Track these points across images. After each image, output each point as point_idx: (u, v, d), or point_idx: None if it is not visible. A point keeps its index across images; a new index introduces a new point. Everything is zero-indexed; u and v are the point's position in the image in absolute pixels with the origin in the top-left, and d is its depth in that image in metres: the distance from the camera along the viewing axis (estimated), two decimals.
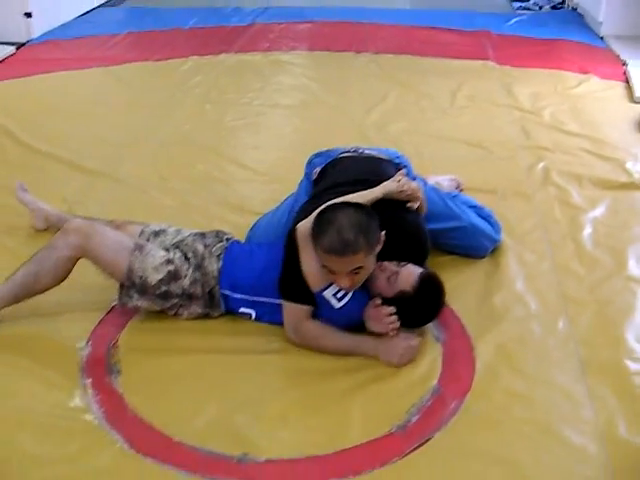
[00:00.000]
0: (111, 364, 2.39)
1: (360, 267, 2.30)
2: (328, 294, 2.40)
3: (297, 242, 2.39)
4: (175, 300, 2.54)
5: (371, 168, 2.77)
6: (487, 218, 3.03)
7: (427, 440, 2.11)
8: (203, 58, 5.58)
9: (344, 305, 2.41)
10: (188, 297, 2.54)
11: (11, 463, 2.02)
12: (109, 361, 2.40)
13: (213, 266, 2.56)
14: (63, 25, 6.50)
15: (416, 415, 2.19)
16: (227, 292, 2.55)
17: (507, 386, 2.33)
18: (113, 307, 2.65)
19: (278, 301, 2.49)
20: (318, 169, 2.86)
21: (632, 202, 3.49)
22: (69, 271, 2.53)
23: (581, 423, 2.19)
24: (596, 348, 2.52)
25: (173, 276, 2.52)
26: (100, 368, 2.37)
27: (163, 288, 2.51)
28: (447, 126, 4.37)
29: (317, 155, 2.98)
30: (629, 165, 3.83)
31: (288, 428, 2.16)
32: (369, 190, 2.50)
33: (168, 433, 2.11)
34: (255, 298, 2.53)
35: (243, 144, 4.16)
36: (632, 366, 2.42)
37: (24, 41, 5.92)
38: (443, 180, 3.36)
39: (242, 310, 2.56)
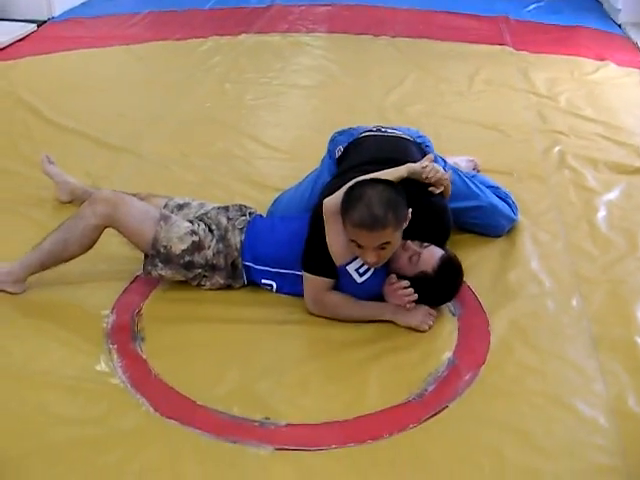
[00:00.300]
0: (135, 331, 2.46)
1: (387, 242, 2.35)
2: (351, 268, 2.45)
3: (323, 216, 2.44)
4: (198, 270, 2.60)
5: (395, 148, 2.82)
6: (505, 198, 3.08)
7: (443, 409, 2.17)
8: (222, 38, 5.62)
9: (365, 280, 2.47)
10: (211, 268, 2.61)
11: (39, 423, 2.10)
12: (133, 328, 2.48)
13: (236, 238, 2.62)
14: (84, 4, 6.55)
15: (432, 385, 2.26)
16: (249, 264, 2.61)
17: (520, 359, 2.38)
18: (137, 277, 2.72)
19: (299, 273, 2.55)
20: (341, 147, 2.91)
21: None
22: (96, 240, 2.60)
23: (592, 396, 2.25)
24: (608, 325, 2.57)
25: (197, 246, 2.58)
26: (125, 335, 2.44)
27: (187, 258, 2.57)
28: (465, 109, 4.41)
29: (340, 133, 3.03)
30: None
31: (308, 395, 2.23)
32: (395, 168, 2.54)
33: (192, 397, 2.18)
34: (276, 270, 2.60)
35: (263, 122, 4.22)
36: None
37: (45, 19, 5.99)
38: (461, 161, 3.40)
39: (264, 282, 2.63)
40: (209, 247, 2.60)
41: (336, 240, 2.43)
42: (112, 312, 2.55)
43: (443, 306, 2.59)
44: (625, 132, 4.10)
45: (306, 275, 2.51)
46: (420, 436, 2.08)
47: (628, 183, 3.54)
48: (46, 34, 5.71)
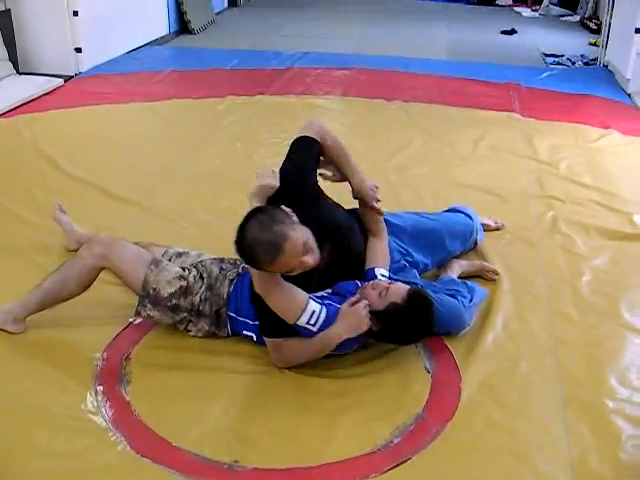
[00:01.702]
0: (122, 374, 2.59)
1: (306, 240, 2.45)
2: (302, 323, 2.54)
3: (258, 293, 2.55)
4: (184, 314, 2.73)
5: None
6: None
7: (406, 460, 2.26)
8: (239, 98, 5.87)
9: (320, 327, 2.56)
10: (197, 313, 2.74)
11: (24, 455, 2.23)
12: (121, 372, 2.61)
13: (224, 289, 2.75)
14: (111, 60, 6.87)
15: (398, 437, 2.35)
16: (232, 314, 2.74)
17: (488, 417, 2.46)
18: (129, 323, 2.86)
19: None
20: None
21: (634, 252, 3.61)
22: (92, 280, 2.75)
23: (555, 455, 2.32)
24: (579, 387, 2.64)
25: (184, 291, 2.72)
26: (112, 377, 2.57)
27: (174, 301, 2.71)
28: (465, 173, 4.54)
29: None
30: (636, 218, 3.95)
31: (278, 442, 2.32)
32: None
33: (168, 438, 2.30)
34: (255, 322, 2.71)
35: None
36: (611, 405, 2.55)
37: (72, 74, 6.28)
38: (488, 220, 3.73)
39: (245, 332, 2.75)
40: (197, 293, 2.73)
41: (278, 306, 2.52)
42: (102, 355, 2.68)
43: (418, 362, 2.69)
44: (620, 199, 4.21)
45: (266, 339, 2.63)
46: None
47: (617, 249, 3.64)
48: (72, 89, 6.00)
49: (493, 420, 2.45)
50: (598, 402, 2.57)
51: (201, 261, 2.87)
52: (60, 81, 6.00)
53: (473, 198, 4.19)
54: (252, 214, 2.50)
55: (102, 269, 2.74)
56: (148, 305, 2.71)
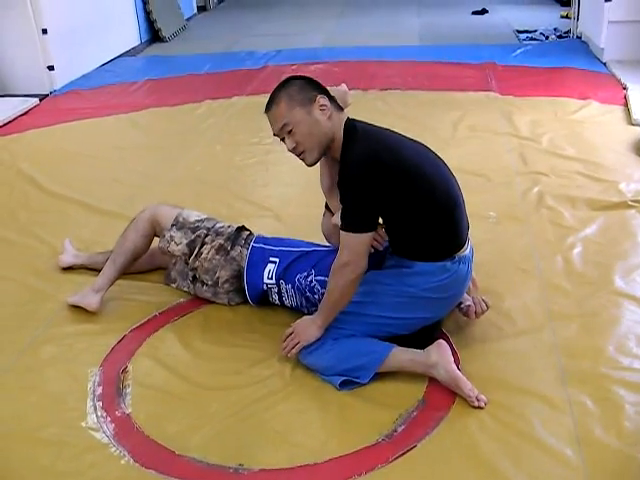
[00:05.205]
0: (120, 387, 2.57)
1: (287, 125, 2.52)
2: None
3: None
4: (203, 231, 3.00)
5: None
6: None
7: (411, 448, 2.25)
8: (216, 101, 5.85)
9: None
10: (215, 232, 3.00)
11: (31, 477, 2.20)
12: (119, 385, 2.58)
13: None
14: (84, 75, 6.83)
15: (402, 425, 2.34)
16: (259, 245, 2.95)
17: (490, 396, 2.44)
18: (124, 336, 2.84)
19: (300, 249, 2.89)
20: None
21: (623, 220, 3.62)
22: (148, 232, 3.06)
23: (560, 428, 2.31)
24: (578, 358, 2.64)
25: (210, 219, 3.09)
26: (110, 391, 2.55)
27: (197, 223, 3.04)
28: (448, 156, 4.37)
29: None
30: (622, 186, 3.96)
31: (283, 440, 2.31)
32: None
33: (171, 448, 2.28)
34: (280, 248, 2.91)
35: (251, 182, 4.36)
36: (612, 374, 2.54)
37: (47, 92, 6.23)
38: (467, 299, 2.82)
39: (271, 259, 2.88)
40: (220, 222, 3.08)
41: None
42: (99, 370, 2.66)
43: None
44: (604, 168, 4.21)
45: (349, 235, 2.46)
46: (388, 476, 2.16)
47: (605, 218, 3.64)
48: (47, 107, 5.95)
49: (495, 399, 2.43)
50: (598, 372, 2.57)
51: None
52: (35, 100, 5.96)
53: (458, 180, 4.17)
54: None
55: (153, 224, 3.05)
56: (173, 229, 3.01)
